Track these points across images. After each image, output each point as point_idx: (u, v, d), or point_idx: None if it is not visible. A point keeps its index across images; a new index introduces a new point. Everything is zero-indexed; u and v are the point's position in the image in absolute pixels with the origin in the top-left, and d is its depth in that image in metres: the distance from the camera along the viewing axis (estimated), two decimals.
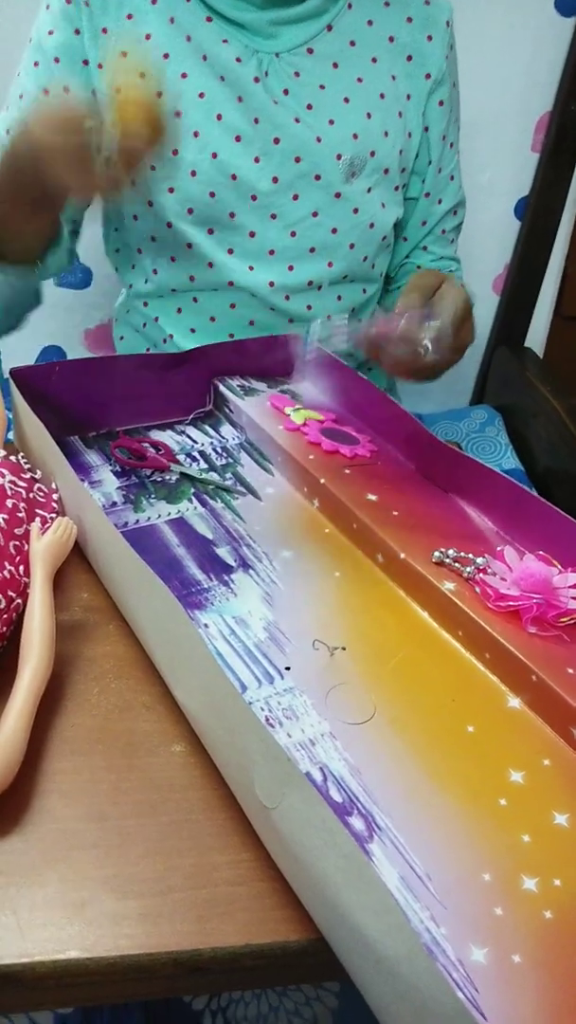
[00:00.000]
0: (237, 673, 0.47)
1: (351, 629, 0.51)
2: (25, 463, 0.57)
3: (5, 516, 0.50)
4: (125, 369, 0.71)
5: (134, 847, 0.39)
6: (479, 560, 0.53)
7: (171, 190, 0.74)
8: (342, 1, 0.72)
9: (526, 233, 1.13)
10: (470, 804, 0.40)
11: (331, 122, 0.72)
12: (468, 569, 0.52)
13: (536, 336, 1.24)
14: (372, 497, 0.60)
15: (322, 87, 0.72)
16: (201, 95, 0.71)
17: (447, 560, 0.53)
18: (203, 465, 0.67)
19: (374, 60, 0.73)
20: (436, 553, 0.53)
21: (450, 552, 0.53)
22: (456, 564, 0.52)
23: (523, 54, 1.03)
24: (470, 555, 0.53)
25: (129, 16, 0.71)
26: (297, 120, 0.72)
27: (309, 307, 0.80)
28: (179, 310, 0.81)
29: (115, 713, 0.46)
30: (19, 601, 0.48)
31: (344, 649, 0.48)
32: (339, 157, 0.73)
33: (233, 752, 0.39)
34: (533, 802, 0.41)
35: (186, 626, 0.42)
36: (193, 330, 0.82)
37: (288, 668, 0.47)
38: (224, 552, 0.58)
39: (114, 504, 0.61)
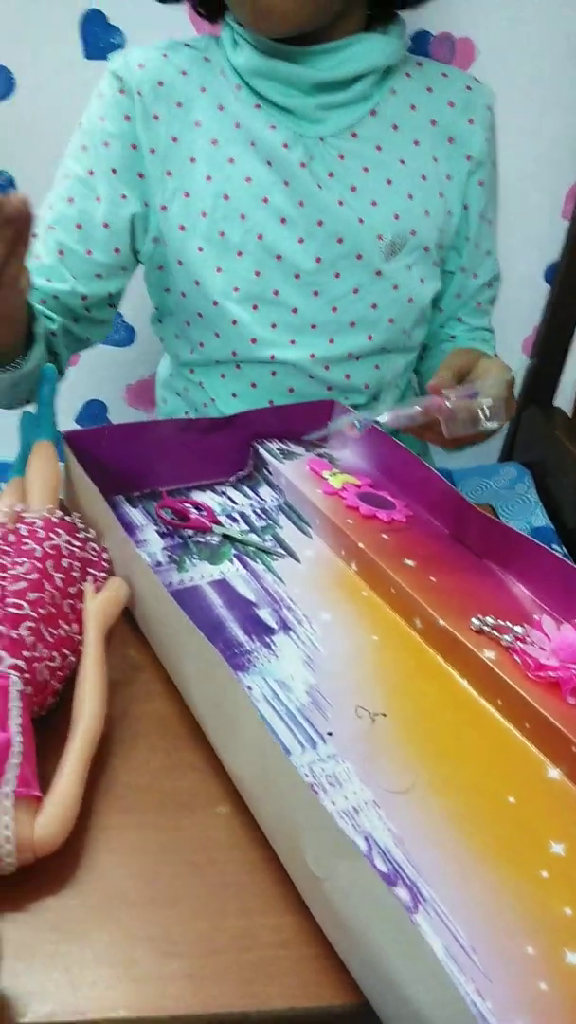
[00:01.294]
0: (281, 737, 0.48)
1: (391, 695, 0.52)
2: (80, 523, 0.59)
3: (61, 576, 0.52)
4: (169, 432, 0.73)
5: (181, 907, 0.40)
6: (517, 629, 0.54)
7: (219, 270, 0.77)
8: (386, 87, 0.76)
9: (555, 297, 1.17)
10: (512, 876, 0.41)
11: (374, 203, 0.76)
12: (507, 638, 0.53)
13: (565, 395, 1.27)
14: (409, 562, 0.61)
15: (365, 169, 0.76)
16: (248, 179, 0.75)
17: (486, 628, 0.54)
18: (243, 526, 0.69)
19: (416, 143, 0.77)
20: (475, 621, 0.54)
21: (488, 620, 0.54)
22: (495, 632, 0.54)
23: (555, 125, 1.09)
24: (508, 623, 0.54)
25: (179, 104, 0.76)
26: (341, 203, 0.75)
27: (347, 376, 0.83)
28: (222, 376, 0.84)
29: (162, 772, 0.47)
30: (72, 659, 0.50)
31: (385, 716, 0.50)
32: (380, 237, 0.76)
33: (282, 818, 0.40)
34: (574, 874, 0.41)
35: (236, 691, 0.43)
36: (235, 395, 0.85)
37: (331, 734, 0.48)
38: (265, 614, 0.59)
39: (159, 564, 0.63)
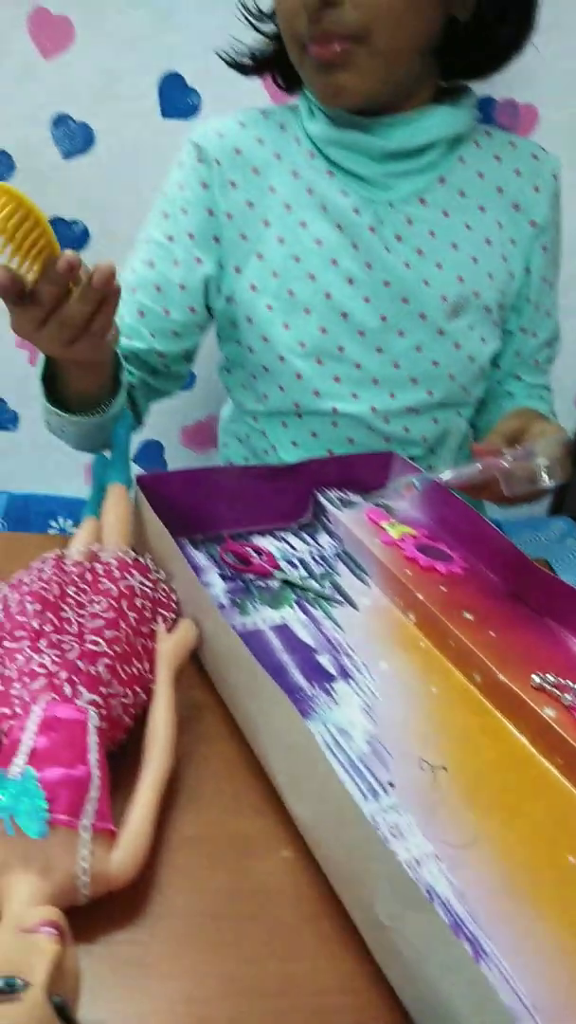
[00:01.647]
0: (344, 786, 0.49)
1: (450, 748, 0.53)
2: (151, 564, 0.61)
3: (135, 615, 0.54)
4: (232, 477, 0.76)
5: (248, 948, 0.41)
6: None
7: (286, 326, 0.80)
8: (455, 156, 0.79)
9: None
10: (572, 936, 0.41)
11: (439, 266, 0.79)
12: (568, 696, 0.54)
13: None
14: (469, 616, 0.62)
15: (432, 233, 0.78)
16: (318, 242, 0.79)
17: (547, 686, 0.55)
18: (303, 572, 0.71)
19: (482, 209, 0.80)
20: (535, 678, 0.55)
21: (549, 677, 0.55)
22: (555, 690, 0.54)
23: None
24: (569, 682, 0.55)
25: (255, 170, 0.79)
26: (407, 265, 0.78)
27: (406, 429, 0.85)
28: (284, 424, 0.87)
29: (227, 813, 0.48)
30: (144, 696, 0.52)
31: (445, 769, 0.51)
32: (444, 298, 0.79)
33: (350, 867, 0.41)
34: None
35: (306, 738, 0.44)
36: (295, 443, 0.87)
37: (392, 784, 0.49)
38: (325, 660, 0.60)
39: (222, 606, 0.65)
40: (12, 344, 1.24)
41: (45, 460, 1.34)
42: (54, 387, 0.72)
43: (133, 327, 0.84)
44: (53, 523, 1.28)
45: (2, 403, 1.33)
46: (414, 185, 0.78)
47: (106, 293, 0.56)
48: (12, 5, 1.05)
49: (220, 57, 0.82)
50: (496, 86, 1.10)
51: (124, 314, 0.84)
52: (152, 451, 1.33)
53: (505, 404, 0.89)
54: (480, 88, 1.08)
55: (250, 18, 0.80)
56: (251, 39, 0.82)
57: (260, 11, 0.80)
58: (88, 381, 0.70)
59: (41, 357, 0.70)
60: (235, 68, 0.83)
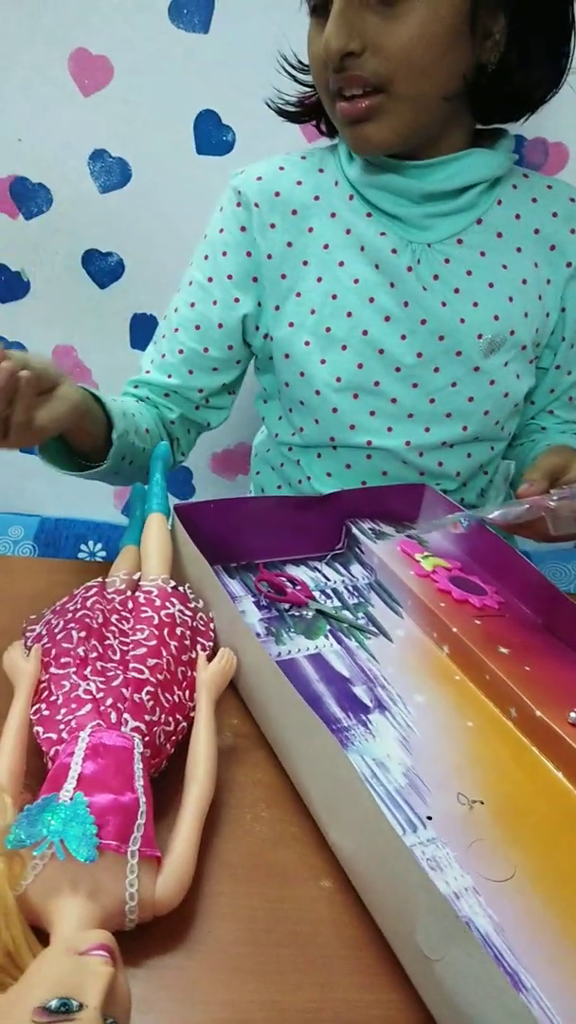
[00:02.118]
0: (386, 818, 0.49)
1: (487, 782, 0.53)
2: (190, 593, 0.62)
3: (176, 644, 0.56)
4: (266, 507, 0.77)
5: (289, 976, 0.42)
6: None
7: (323, 361, 0.82)
8: (492, 197, 0.81)
9: None
10: None
11: (475, 304, 0.80)
12: None
13: None
14: (504, 650, 0.63)
15: (469, 273, 0.80)
16: (356, 281, 0.80)
17: None
18: (336, 603, 0.72)
19: (519, 249, 0.81)
20: (573, 714, 0.55)
21: None
22: None
23: None
24: None
25: (294, 212, 0.82)
26: (444, 304, 0.80)
27: (440, 463, 0.86)
28: (318, 455, 0.89)
29: (267, 842, 0.49)
30: (184, 724, 0.53)
31: (483, 803, 0.51)
32: (480, 336, 0.80)
33: (392, 898, 0.41)
34: None
35: (348, 770, 0.45)
36: (329, 474, 0.89)
37: (430, 818, 0.50)
38: (360, 691, 0.61)
39: (257, 635, 0.66)
40: None
41: (75, 485, 1.36)
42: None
43: (174, 365, 0.87)
44: (83, 547, 1.30)
45: None
46: (452, 226, 0.80)
47: (12, 389, 0.57)
48: (55, 46, 1.08)
49: (268, 106, 0.85)
50: (526, 125, 1.12)
51: (166, 352, 0.87)
52: (182, 477, 1.35)
53: (538, 439, 0.90)
54: (510, 126, 1.10)
55: (289, 70, 0.83)
56: (289, 86, 0.85)
57: (300, 62, 0.82)
58: (81, 443, 0.73)
59: None
60: (282, 116, 0.86)
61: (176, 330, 0.87)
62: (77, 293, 1.22)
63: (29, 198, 1.16)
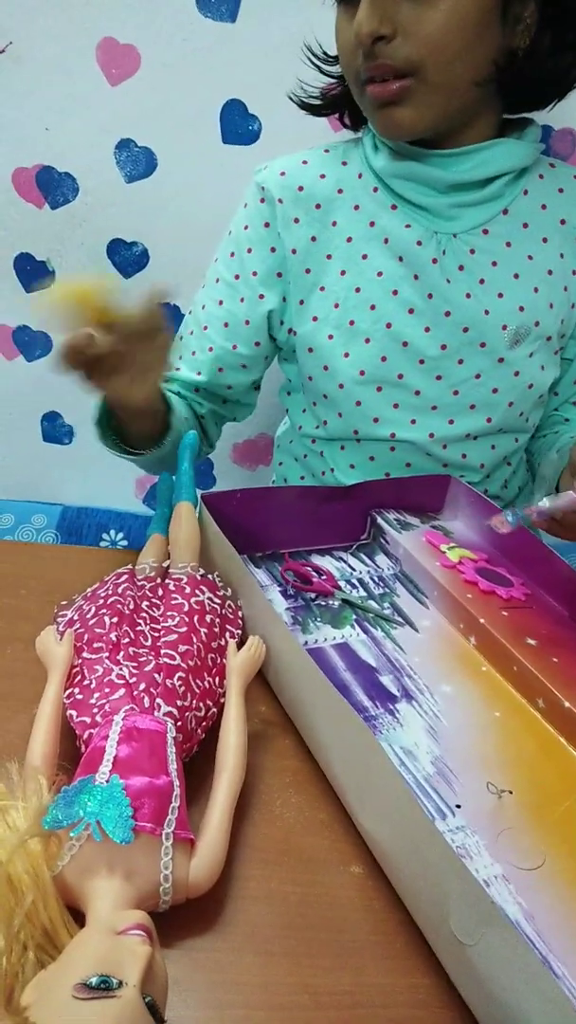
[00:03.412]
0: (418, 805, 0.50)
1: (515, 772, 0.53)
2: (219, 581, 0.63)
3: (206, 631, 0.56)
4: (292, 498, 0.77)
5: (320, 959, 0.42)
6: None
7: (346, 355, 0.82)
8: (518, 187, 0.80)
9: None
10: None
11: (500, 295, 0.80)
12: None
13: None
14: (531, 641, 0.63)
15: (494, 264, 0.79)
16: (380, 273, 0.80)
17: None
18: (362, 592, 0.72)
19: (545, 240, 0.81)
20: None
21: None
22: None
23: None
24: None
25: (318, 206, 0.81)
26: (468, 295, 0.79)
27: (464, 455, 0.86)
28: (342, 447, 0.89)
29: (297, 827, 0.50)
30: (214, 710, 0.53)
31: (511, 793, 0.51)
32: (505, 327, 0.80)
33: (424, 884, 0.41)
34: None
35: (379, 757, 0.45)
36: (353, 466, 0.89)
37: (459, 806, 0.50)
38: (387, 681, 0.61)
39: (284, 624, 0.66)
40: None
41: (99, 474, 1.37)
42: (110, 423, 0.78)
43: (203, 362, 0.88)
44: (105, 536, 1.30)
45: (58, 417, 1.36)
46: (478, 216, 0.79)
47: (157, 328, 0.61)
48: (82, 35, 1.08)
49: (291, 99, 0.85)
50: (553, 115, 1.11)
51: (195, 349, 0.88)
52: (203, 468, 1.36)
53: (561, 430, 0.90)
54: (537, 116, 1.09)
55: (315, 61, 0.82)
56: (313, 78, 0.84)
57: (325, 53, 0.82)
58: (142, 424, 0.76)
59: (95, 403, 0.75)
60: (305, 109, 0.85)
61: (205, 328, 0.87)
62: None
63: (55, 187, 1.17)
